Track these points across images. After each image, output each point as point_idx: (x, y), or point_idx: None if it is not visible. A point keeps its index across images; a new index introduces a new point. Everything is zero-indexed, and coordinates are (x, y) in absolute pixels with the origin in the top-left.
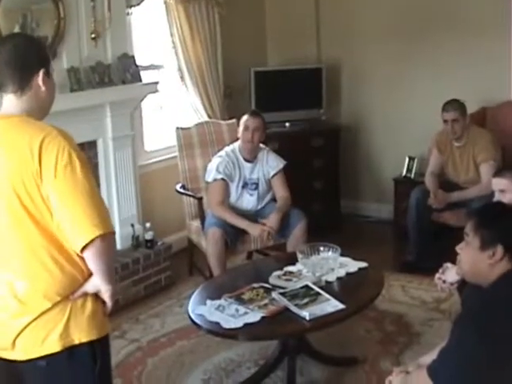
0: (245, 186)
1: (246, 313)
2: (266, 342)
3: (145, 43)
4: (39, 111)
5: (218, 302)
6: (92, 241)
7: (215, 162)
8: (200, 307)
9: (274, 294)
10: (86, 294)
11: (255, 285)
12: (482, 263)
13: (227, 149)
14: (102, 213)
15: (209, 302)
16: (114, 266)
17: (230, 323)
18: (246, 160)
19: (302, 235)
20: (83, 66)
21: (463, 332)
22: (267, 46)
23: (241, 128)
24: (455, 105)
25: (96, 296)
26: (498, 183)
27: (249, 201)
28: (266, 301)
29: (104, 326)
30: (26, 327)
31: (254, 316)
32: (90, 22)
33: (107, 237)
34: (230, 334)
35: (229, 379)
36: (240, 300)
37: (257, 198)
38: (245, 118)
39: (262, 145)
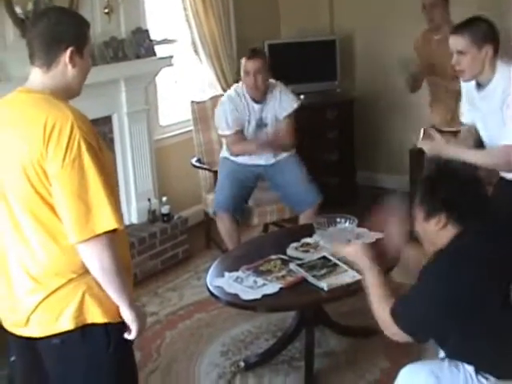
0: (260, 125)
1: (264, 284)
2: (284, 313)
3: (158, 17)
4: (65, 90)
5: (236, 274)
6: (86, 240)
7: (221, 112)
8: (218, 279)
9: (292, 266)
10: None
11: (273, 256)
12: (432, 232)
13: (230, 93)
14: (103, 210)
15: (227, 274)
16: (123, 260)
17: (248, 295)
18: (255, 101)
19: (312, 217)
20: (97, 41)
21: (429, 276)
22: (280, 19)
23: (242, 73)
24: None
25: None
26: (456, 43)
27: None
28: (283, 272)
29: (118, 313)
30: (39, 304)
31: (273, 287)
32: None
33: (102, 237)
34: (249, 306)
35: (247, 351)
36: (258, 272)
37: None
38: (243, 61)
39: (273, 81)
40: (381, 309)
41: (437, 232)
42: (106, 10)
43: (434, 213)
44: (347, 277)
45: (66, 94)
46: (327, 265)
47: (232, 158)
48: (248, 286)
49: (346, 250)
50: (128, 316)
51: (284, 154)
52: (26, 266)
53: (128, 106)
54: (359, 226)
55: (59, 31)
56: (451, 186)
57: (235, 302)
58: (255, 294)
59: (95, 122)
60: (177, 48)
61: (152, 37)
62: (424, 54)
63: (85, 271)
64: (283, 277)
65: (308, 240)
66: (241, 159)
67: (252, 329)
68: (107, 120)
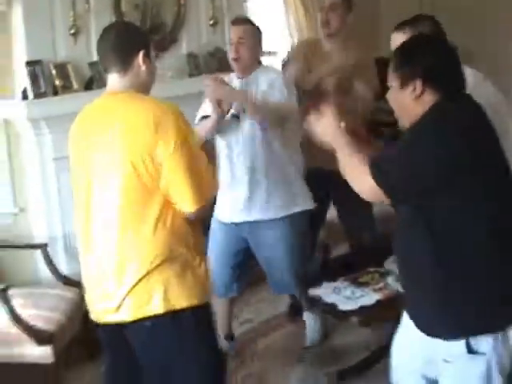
0: (238, 114)
1: (361, 295)
2: (378, 326)
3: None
4: (141, 89)
5: (333, 285)
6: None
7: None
8: (315, 289)
9: (389, 279)
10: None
11: (371, 269)
12: (407, 101)
13: None
14: (207, 180)
15: (324, 283)
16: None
17: (346, 305)
18: (238, 76)
19: None
20: (202, 51)
21: (415, 133)
22: (380, 34)
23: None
24: None
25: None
26: (397, 40)
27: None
28: (381, 285)
29: (203, 295)
30: (131, 290)
31: (370, 299)
32: (209, 9)
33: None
34: (346, 316)
35: (341, 362)
36: (356, 283)
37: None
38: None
39: (276, 68)
40: (362, 170)
41: (413, 101)
42: (212, 22)
43: (409, 80)
44: None
45: (143, 92)
46: None
47: (217, 218)
48: (346, 296)
49: (321, 126)
50: None
51: (269, 215)
52: (119, 251)
53: None
54: None
55: (129, 39)
56: (426, 52)
57: (332, 312)
58: (353, 305)
59: None
60: (278, 60)
61: None
62: (308, 65)
63: (169, 258)
64: (380, 289)
65: None
66: (217, 215)
67: (346, 341)
68: None
